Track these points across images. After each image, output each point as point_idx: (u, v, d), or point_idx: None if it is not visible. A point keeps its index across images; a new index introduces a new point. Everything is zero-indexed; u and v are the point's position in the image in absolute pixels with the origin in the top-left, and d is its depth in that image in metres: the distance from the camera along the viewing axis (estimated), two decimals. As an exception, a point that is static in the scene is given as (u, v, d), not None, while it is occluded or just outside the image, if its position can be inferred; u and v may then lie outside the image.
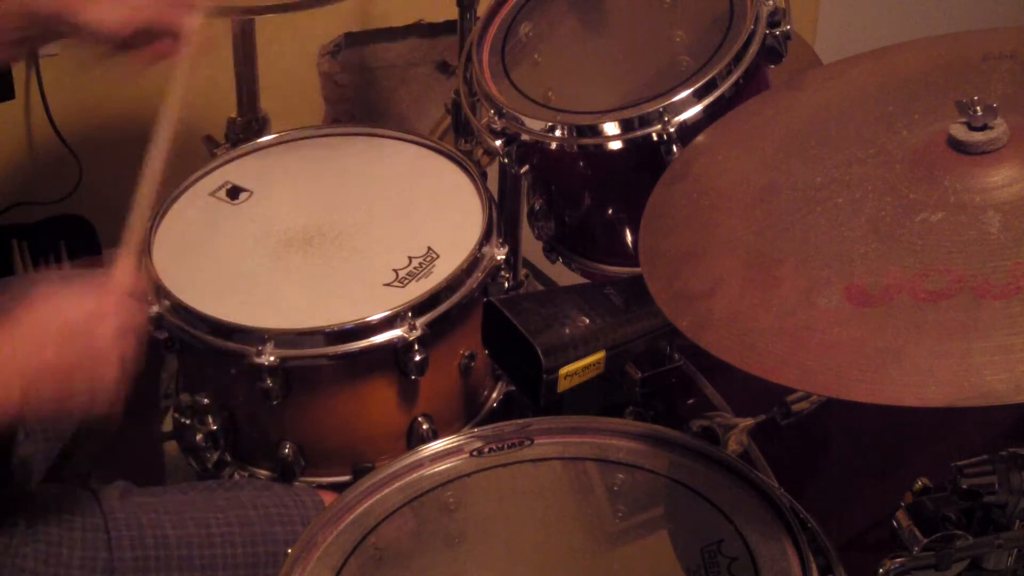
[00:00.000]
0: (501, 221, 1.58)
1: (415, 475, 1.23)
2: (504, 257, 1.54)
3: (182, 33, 1.36)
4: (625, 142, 1.51)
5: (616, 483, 1.20)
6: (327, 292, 1.49)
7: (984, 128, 1.04)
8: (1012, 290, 0.95)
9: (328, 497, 1.40)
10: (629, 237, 1.61)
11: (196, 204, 1.64)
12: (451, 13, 1.89)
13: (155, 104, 1.31)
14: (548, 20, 1.67)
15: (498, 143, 1.56)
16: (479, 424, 1.58)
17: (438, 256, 1.52)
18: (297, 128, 1.77)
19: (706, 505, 1.14)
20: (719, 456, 1.20)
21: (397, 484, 1.22)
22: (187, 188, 1.66)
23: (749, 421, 1.36)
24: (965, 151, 1.05)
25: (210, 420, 1.51)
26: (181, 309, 1.48)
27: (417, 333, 1.44)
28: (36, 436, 1.46)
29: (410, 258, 1.52)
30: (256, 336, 1.43)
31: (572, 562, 1.13)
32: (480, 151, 1.87)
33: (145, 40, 1.37)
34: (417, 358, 1.44)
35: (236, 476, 1.55)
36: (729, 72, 1.49)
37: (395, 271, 1.50)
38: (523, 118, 1.55)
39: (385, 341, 1.44)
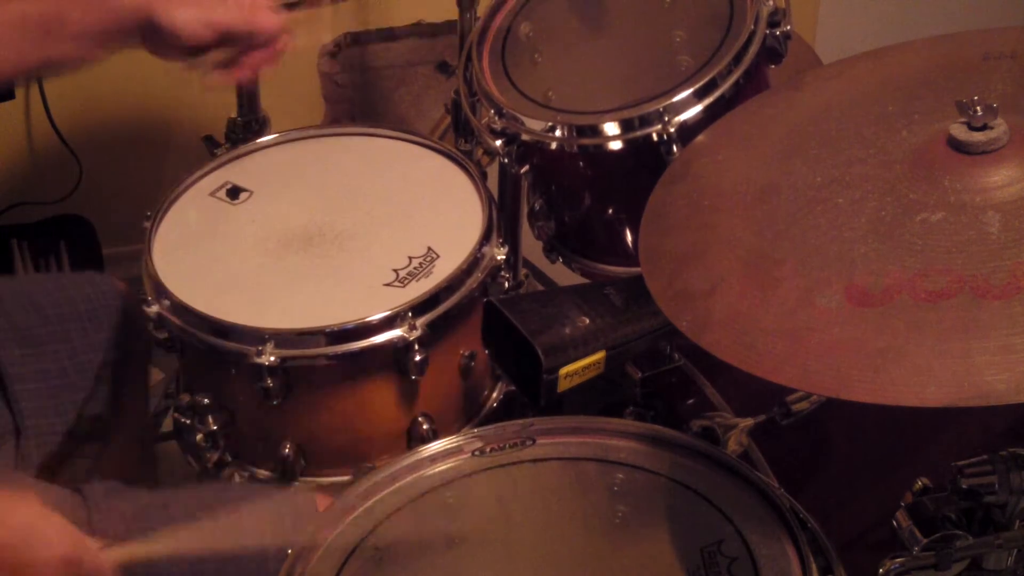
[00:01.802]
0: (501, 221, 1.58)
1: (415, 475, 1.23)
2: (504, 257, 1.54)
3: (267, 39, 1.36)
4: (625, 142, 1.51)
5: (616, 483, 1.20)
6: (327, 292, 1.49)
7: (984, 128, 1.04)
8: (1012, 290, 0.95)
9: (324, 501, 1.39)
10: (629, 237, 1.61)
11: (196, 204, 1.64)
12: (451, 13, 1.89)
13: (155, 104, 1.31)
14: (548, 20, 1.67)
15: (498, 143, 1.56)
16: (479, 424, 1.58)
17: (438, 256, 1.52)
18: (297, 128, 1.77)
19: (706, 505, 1.14)
20: (719, 456, 1.20)
21: (397, 484, 1.22)
22: (187, 188, 1.66)
23: (749, 421, 1.35)
24: (965, 151, 1.05)
25: (210, 420, 1.51)
26: (181, 309, 1.48)
27: (417, 333, 1.44)
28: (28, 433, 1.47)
29: (410, 258, 1.52)
30: (256, 336, 1.43)
31: (572, 562, 1.12)
32: (480, 151, 1.87)
33: (227, 46, 1.36)
34: (417, 358, 1.44)
35: (236, 476, 1.55)
36: (729, 72, 1.49)
37: (395, 271, 1.50)
38: (523, 118, 1.55)
39: (385, 341, 1.44)
